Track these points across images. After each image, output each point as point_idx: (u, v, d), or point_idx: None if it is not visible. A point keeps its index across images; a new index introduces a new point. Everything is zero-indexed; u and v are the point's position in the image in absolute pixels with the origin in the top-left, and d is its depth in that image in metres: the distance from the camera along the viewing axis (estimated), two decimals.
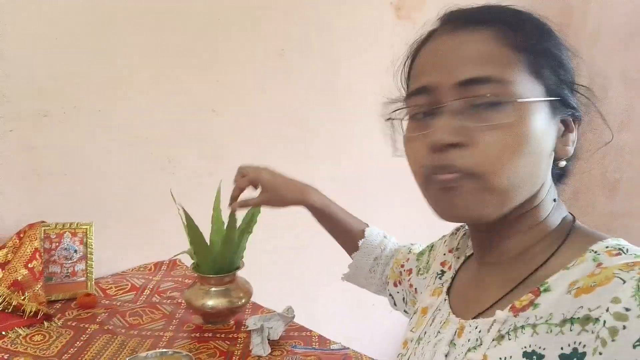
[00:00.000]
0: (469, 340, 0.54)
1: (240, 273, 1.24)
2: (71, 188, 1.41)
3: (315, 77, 1.90)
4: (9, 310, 1.16)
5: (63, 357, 1.04)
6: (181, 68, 1.58)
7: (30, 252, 1.24)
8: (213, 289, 1.20)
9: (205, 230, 1.21)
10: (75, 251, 1.33)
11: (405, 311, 0.91)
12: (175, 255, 1.23)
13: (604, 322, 0.43)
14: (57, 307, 1.27)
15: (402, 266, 0.89)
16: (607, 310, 0.43)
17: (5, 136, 1.32)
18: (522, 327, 0.49)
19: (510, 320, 0.51)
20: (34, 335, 1.12)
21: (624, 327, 0.41)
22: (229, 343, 1.14)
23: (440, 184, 0.53)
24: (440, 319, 0.62)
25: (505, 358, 0.49)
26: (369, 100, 1.96)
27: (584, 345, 0.44)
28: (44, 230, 1.29)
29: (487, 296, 0.57)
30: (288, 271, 1.91)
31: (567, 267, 0.50)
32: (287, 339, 1.15)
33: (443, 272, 0.71)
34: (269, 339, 1.11)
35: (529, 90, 0.51)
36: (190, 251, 1.23)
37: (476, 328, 0.54)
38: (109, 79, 1.46)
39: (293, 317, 1.17)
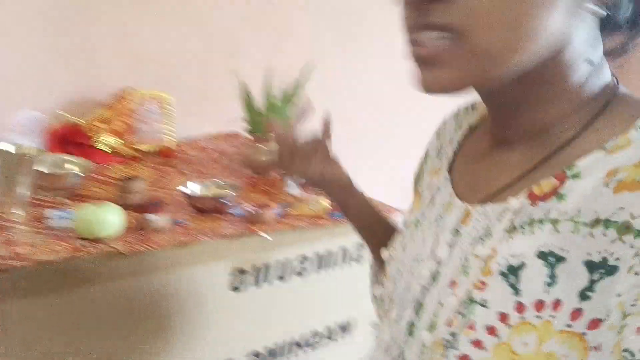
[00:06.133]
0: (475, 229, 0.47)
1: None
2: (154, 63, 1.74)
3: None
4: (111, 152, 1.54)
5: (149, 184, 1.40)
6: None
7: (124, 110, 1.59)
8: (263, 146, 1.51)
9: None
10: (158, 114, 1.67)
11: None
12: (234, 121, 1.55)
13: None
14: (145, 155, 1.64)
15: None
16: None
17: (98, 19, 1.63)
18: (541, 221, 0.41)
19: (526, 210, 0.43)
20: (128, 170, 1.49)
21: None
22: (269, 187, 1.47)
23: (417, 53, 0.43)
24: (441, 201, 0.54)
25: (516, 255, 0.42)
26: None
27: (617, 259, 0.36)
28: (134, 94, 1.63)
29: (500, 178, 0.48)
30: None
31: (604, 147, 0.40)
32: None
33: (441, 149, 0.61)
34: (300, 183, 1.42)
35: None
36: (246, 117, 1.55)
37: (485, 215, 0.47)
38: None
39: None
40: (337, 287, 1.22)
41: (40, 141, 1.39)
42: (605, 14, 0.41)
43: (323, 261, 1.17)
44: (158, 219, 1.04)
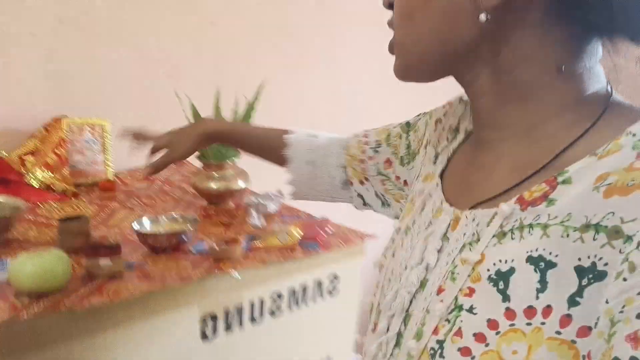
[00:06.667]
0: (464, 235, 0.46)
1: (240, 164, 1.45)
2: (88, 88, 1.58)
3: None
4: (43, 188, 1.37)
5: (92, 222, 1.25)
6: None
7: (57, 140, 1.43)
8: (215, 174, 1.40)
9: None
10: (95, 143, 1.52)
11: (385, 204, 0.78)
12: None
13: (639, 243, 0.34)
14: (82, 189, 1.48)
15: (364, 161, 0.77)
16: None
17: (28, 39, 1.47)
18: (531, 225, 0.41)
19: (515, 215, 0.42)
20: (65, 207, 1.33)
21: None
22: (229, 218, 1.35)
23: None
24: (431, 207, 0.54)
25: (506, 261, 0.41)
26: (361, 12, 2.11)
27: (606, 264, 0.35)
28: (68, 123, 1.47)
29: (490, 183, 0.48)
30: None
31: (595, 152, 0.40)
32: (278, 215, 1.37)
33: (437, 154, 0.61)
34: (263, 214, 1.32)
35: None
36: None
37: (473, 220, 0.46)
38: None
39: (283, 197, 1.38)
40: (313, 324, 1.12)
41: None
42: (484, 18, 0.43)
43: (298, 297, 1.08)
44: (110, 264, 0.91)
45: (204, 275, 0.91)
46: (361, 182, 0.78)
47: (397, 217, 0.75)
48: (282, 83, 1.95)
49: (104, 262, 0.90)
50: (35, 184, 1.35)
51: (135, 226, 1.11)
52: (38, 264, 0.81)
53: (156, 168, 0.92)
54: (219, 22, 1.82)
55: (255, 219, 1.29)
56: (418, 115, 0.72)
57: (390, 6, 0.52)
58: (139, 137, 0.98)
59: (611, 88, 0.46)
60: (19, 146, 1.41)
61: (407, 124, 0.73)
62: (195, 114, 1.36)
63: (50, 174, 1.39)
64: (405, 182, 0.72)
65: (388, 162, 0.73)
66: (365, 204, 0.81)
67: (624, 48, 0.44)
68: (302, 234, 1.15)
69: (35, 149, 1.42)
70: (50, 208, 1.31)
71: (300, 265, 1.07)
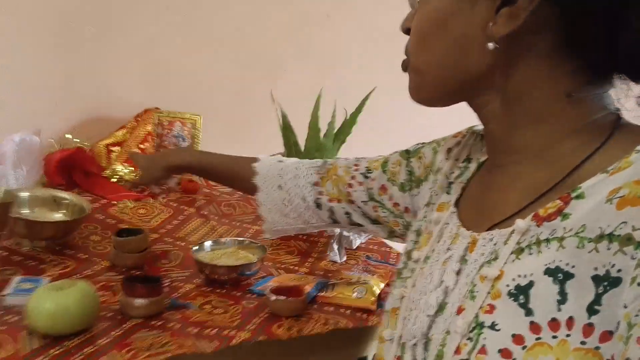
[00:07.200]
0: (482, 255, 0.47)
1: None
2: (184, 83, 1.50)
3: None
4: (122, 183, 1.30)
5: (160, 230, 1.15)
6: None
7: (144, 134, 1.35)
8: None
9: (302, 136, 1.23)
10: (183, 139, 1.42)
11: (375, 222, 0.77)
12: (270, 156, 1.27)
13: None
14: (163, 188, 1.39)
15: (352, 185, 0.76)
16: None
17: (129, 34, 1.40)
18: (547, 240, 0.42)
19: (532, 231, 0.43)
20: (139, 209, 1.24)
21: None
22: (308, 245, 1.18)
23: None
24: (449, 234, 0.55)
25: (525, 275, 0.41)
26: None
27: (619, 270, 0.36)
28: (158, 116, 1.39)
29: (505, 204, 0.49)
30: None
31: (606, 170, 0.41)
32: (365, 250, 1.17)
33: (450, 184, 0.61)
34: (346, 247, 1.13)
35: None
36: (285, 154, 1.26)
37: (491, 240, 0.47)
38: None
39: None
40: None
41: (36, 170, 1.16)
42: (492, 47, 0.45)
43: None
44: (147, 303, 0.77)
45: (247, 339, 0.74)
46: (349, 202, 0.78)
47: (390, 235, 0.77)
48: (393, 92, 1.72)
49: (140, 302, 0.77)
50: (114, 178, 1.28)
51: (195, 252, 0.97)
52: (58, 302, 0.69)
53: (133, 185, 1.11)
54: (327, 21, 1.64)
55: (336, 254, 1.10)
56: (418, 144, 0.73)
57: (407, 31, 0.54)
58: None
59: (619, 111, 0.47)
60: (105, 137, 1.35)
61: (407, 151, 0.73)
62: (286, 126, 1.19)
63: (131, 169, 1.31)
64: (406, 209, 0.72)
65: (383, 188, 0.74)
66: (352, 222, 0.80)
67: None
68: (383, 288, 0.94)
69: (122, 141, 1.36)
70: (123, 206, 1.23)
71: (374, 330, 0.87)
